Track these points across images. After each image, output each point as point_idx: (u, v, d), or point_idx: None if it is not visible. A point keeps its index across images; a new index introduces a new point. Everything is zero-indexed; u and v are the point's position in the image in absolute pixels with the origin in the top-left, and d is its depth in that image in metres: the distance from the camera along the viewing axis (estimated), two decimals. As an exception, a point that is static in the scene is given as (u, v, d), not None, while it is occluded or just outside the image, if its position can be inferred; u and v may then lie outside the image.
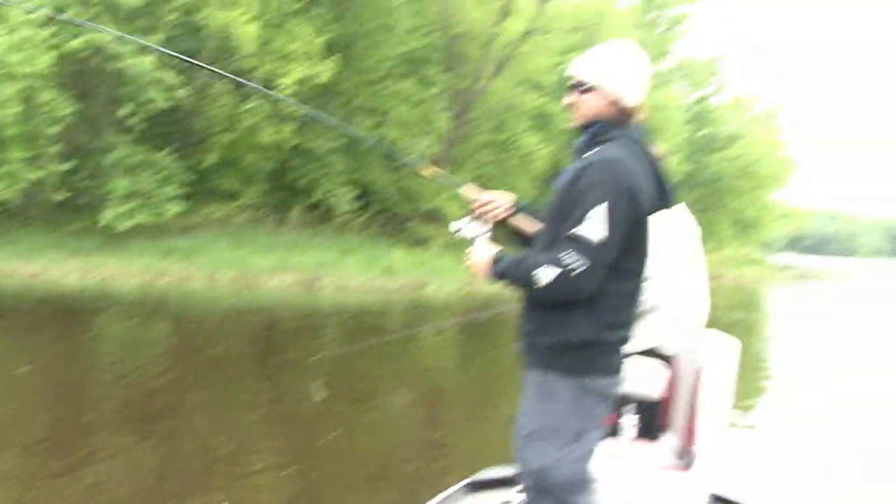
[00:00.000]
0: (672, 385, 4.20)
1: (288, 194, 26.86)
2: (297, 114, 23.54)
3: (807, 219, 73.50)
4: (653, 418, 4.51)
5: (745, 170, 47.57)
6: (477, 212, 3.42)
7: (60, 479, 5.97)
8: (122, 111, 21.11)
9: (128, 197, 21.36)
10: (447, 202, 26.09)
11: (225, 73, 4.42)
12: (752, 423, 9.34)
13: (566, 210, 2.93)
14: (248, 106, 23.46)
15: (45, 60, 19.37)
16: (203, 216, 24.30)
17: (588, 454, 3.05)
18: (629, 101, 3.08)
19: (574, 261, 2.83)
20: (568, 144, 3.25)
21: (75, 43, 19.80)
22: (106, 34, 19.56)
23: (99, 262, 19.89)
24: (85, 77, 21.98)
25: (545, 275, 2.87)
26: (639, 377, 4.43)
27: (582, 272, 2.83)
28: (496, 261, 3.08)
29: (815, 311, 28.23)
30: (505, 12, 29.73)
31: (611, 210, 2.85)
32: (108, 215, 21.09)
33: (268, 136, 24.05)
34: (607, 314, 2.97)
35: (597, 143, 3.06)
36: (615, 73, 3.07)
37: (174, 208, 22.13)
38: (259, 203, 25.80)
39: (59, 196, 21.11)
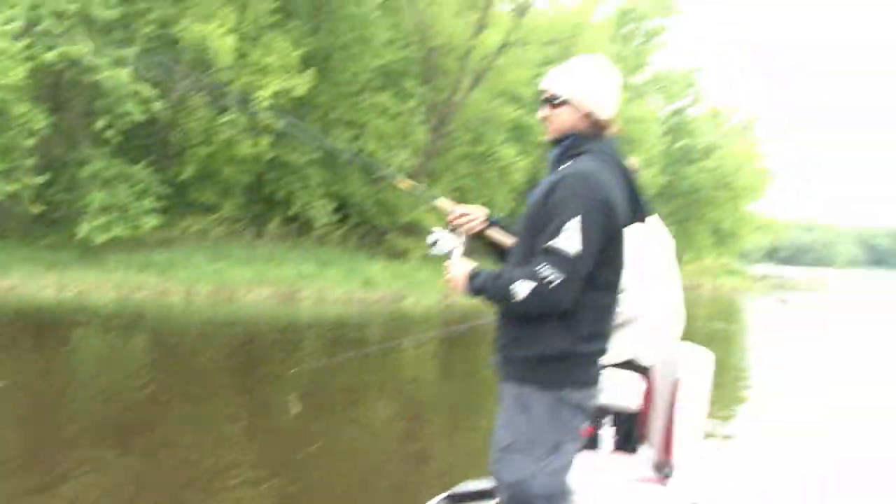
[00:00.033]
0: (649, 397, 4.21)
1: (266, 207, 26.80)
2: (274, 126, 23.50)
3: (784, 229, 73.97)
4: (630, 430, 4.52)
5: (723, 181, 47.90)
6: (452, 224, 3.44)
7: (38, 495, 5.90)
8: (99, 124, 20.98)
9: (104, 210, 21.20)
10: (425, 215, 26.10)
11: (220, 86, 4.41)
12: (732, 432, 9.37)
13: (541, 223, 2.95)
14: (226, 118, 23.39)
15: (18, 73, 19.23)
16: (180, 229, 24.18)
17: (565, 467, 3.05)
18: (602, 114, 3.10)
19: (550, 273, 2.84)
20: (545, 157, 3.27)
21: (50, 55, 19.67)
22: (81, 47, 19.53)
23: (75, 275, 19.74)
24: (60, 89, 21.88)
25: (522, 289, 2.88)
26: (616, 389, 4.44)
27: (558, 285, 2.84)
28: (473, 276, 3.09)
29: (794, 322, 28.37)
30: (482, 25, 29.88)
31: (586, 222, 2.86)
32: (84, 228, 20.93)
33: (245, 148, 23.98)
34: (583, 326, 2.98)
35: (570, 157, 3.07)
36: (588, 87, 3.09)
37: (151, 221, 21.99)
38: (237, 216, 25.70)
39: (35, 209, 20.96)
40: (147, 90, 21.18)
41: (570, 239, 2.85)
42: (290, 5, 25.99)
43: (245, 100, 22.46)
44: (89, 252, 21.05)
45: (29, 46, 19.65)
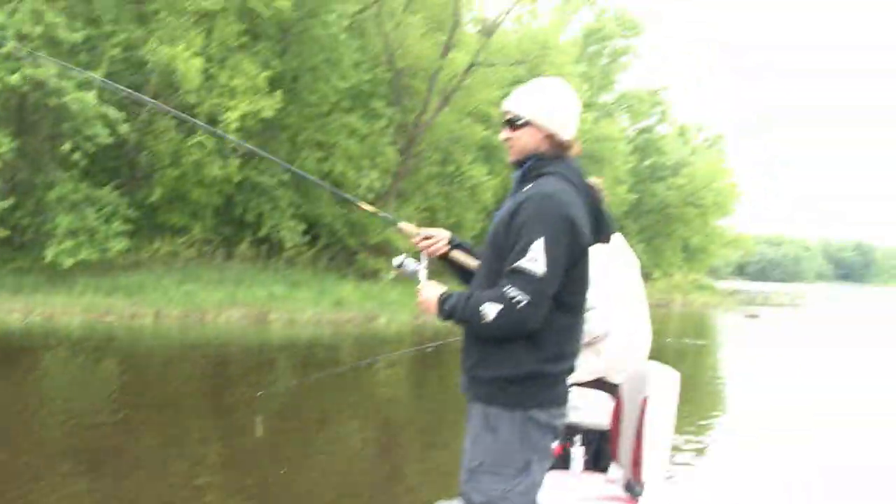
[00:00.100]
0: (617, 415, 4.22)
1: (236, 228, 26.70)
2: (242, 148, 23.41)
3: (753, 245, 74.57)
4: (601, 448, 4.53)
5: (691, 197, 48.29)
6: (418, 247, 3.46)
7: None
8: (65, 147, 20.82)
9: (71, 234, 21.00)
10: (396, 235, 26.08)
11: (182, 114, 4.41)
12: (706, 447, 9.43)
13: (505, 244, 2.97)
14: (194, 140, 23.31)
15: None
16: (149, 252, 24.01)
17: (535, 486, 3.05)
18: (564, 135, 3.12)
19: (517, 295, 2.86)
20: (511, 177, 3.30)
21: (14, 78, 19.50)
22: (49, 67, 19.42)
23: (43, 299, 19.55)
24: (25, 112, 21.71)
25: (490, 310, 2.89)
26: (586, 407, 4.46)
27: (525, 305, 2.86)
28: (444, 300, 3.10)
29: (765, 337, 28.58)
30: (449, 46, 30.02)
31: (551, 243, 2.88)
32: (51, 252, 20.73)
33: (214, 170, 23.88)
34: (550, 346, 2.98)
35: (533, 178, 3.09)
36: (550, 108, 3.11)
37: (119, 245, 21.80)
38: (206, 238, 25.57)
39: (1, 233, 20.75)
40: (114, 112, 21.06)
41: (535, 260, 2.86)
42: (257, 28, 25.98)
43: (214, 121, 22.42)
44: (57, 276, 20.85)
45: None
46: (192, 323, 20.16)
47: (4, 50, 19.30)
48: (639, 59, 50.32)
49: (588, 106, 39.88)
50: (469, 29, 33.70)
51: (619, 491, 4.03)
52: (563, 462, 4.42)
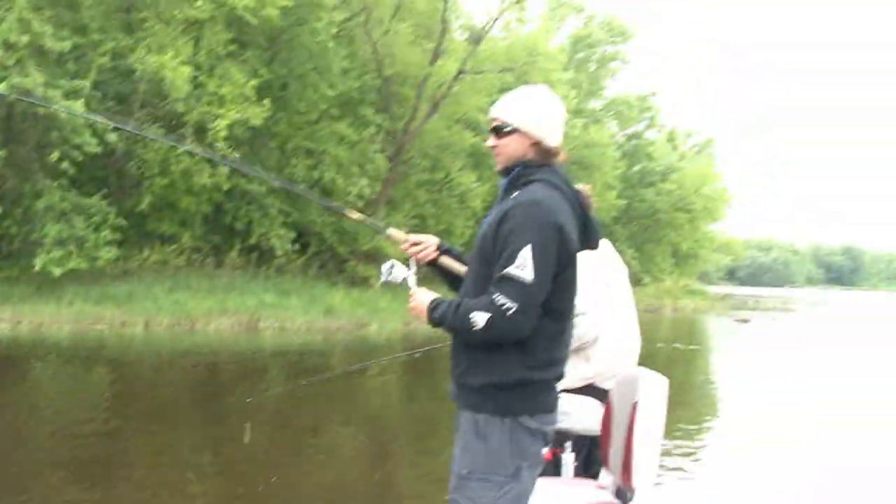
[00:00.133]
0: (607, 421, 4.23)
1: (225, 236, 26.64)
2: (231, 155, 23.36)
3: (743, 249, 74.79)
4: (591, 454, 4.53)
5: (681, 202, 48.40)
6: (407, 253, 3.46)
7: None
8: (53, 156, 20.73)
9: (60, 243, 20.93)
10: (386, 242, 26.07)
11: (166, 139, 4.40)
12: (699, 451, 9.44)
13: (493, 251, 2.97)
14: (182, 149, 23.25)
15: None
16: (139, 261, 23.96)
17: (525, 493, 3.05)
18: (551, 142, 3.13)
19: (506, 302, 2.86)
20: (499, 184, 3.30)
21: (1, 86, 19.42)
22: (36, 76, 19.36)
23: (32, 308, 19.49)
24: (12, 121, 21.63)
25: (480, 318, 2.89)
26: (576, 413, 4.46)
27: (515, 312, 2.86)
28: (433, 307, 3.10)
29: (756, 341, 28.63)
30: (437, 53, 30.05)
31: (540, 250, 2.88)
32: (40, 261, 20.65)
33: (203, 178, 23.82)
34: (538, 353, 2.98)
35: (521, 185, 3.09)
36: (537, 115, 3.12)
37: (108, 254, 21.73)
38: (196, 246, 25.51)
39: (-11, 243, 20.69)
40: (102, 121, 20.97)
41: (524, 267, 2.86)
42: (245, 36, 25.93)
43: (202, 129, 22.36)
44: (45, 285, 20.78)
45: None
46: (182, 331, 20.12)
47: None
48: (627, 64, 50.51)
49: (577, 112, 39.98)
50: (457, 36, 33.74)
51: (610, 497, 4.02)
52: (553, 468, 4.41)
